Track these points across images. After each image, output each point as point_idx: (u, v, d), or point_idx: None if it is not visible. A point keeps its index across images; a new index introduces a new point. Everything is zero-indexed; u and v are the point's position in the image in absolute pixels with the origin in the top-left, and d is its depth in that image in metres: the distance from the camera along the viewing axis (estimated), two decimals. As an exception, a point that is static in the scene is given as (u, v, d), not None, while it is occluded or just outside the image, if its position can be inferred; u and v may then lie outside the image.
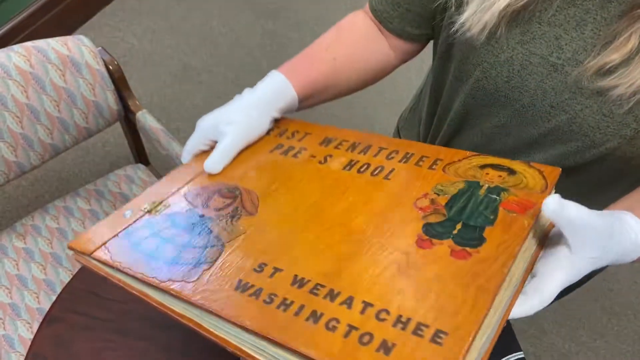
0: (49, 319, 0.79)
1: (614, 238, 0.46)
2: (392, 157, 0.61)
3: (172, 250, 0.55)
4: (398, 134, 0.94)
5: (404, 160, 0.60)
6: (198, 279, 0.51)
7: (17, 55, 1.05)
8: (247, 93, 0.65)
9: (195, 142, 0.66)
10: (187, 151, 0.67)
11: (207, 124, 0.64)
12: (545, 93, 0.59)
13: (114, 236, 0.58)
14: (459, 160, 0.57)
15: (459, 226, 0.49)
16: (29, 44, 1.08)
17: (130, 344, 0.75)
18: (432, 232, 0.49)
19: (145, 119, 1.19)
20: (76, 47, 1.10)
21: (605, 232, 0.45)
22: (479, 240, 0.47)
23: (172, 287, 0.51)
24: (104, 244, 0.58)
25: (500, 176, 0.53)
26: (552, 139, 0.63)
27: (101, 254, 0.56)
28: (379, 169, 0.59)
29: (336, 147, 0.64)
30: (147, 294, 0.53)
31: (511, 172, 0.54)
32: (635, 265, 1.77)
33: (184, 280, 0.51)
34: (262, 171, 0.63)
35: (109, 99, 1.16)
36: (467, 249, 0.47)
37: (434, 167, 0.57)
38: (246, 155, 0.65)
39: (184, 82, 2.04)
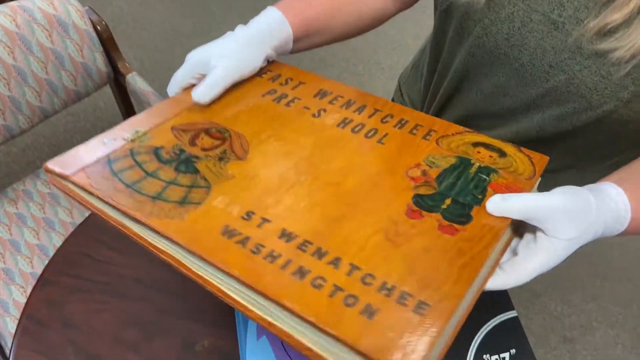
0: (42, 282, 0.78)
1: (590, 213, 0.45)
2: (387, 121, 0.60)
3: (156, 185, 0.53)
4: (399, 90, 0.93)
5: (399, 126, 0.59)
6: (183, 219, 0.49)
7: (3, 15, 1.02)
8: (240, 29, 0.62)
9: (184, 75, 0.62)
10: (175, 83, 0.63)
11: (198, 57, 0.61)
12: (544, 52, 0.58)
13: (95, 162, 0.55)
14: (453, 135, 0.57)
15: (448, 201, 0.50)
16: (14, 3, 1.05)
17: (124, 305, 0.75)
18: (422, 204, 0.50)
19: (136, 81, 1.16)
20: (62, 6, 1.07)
21: (577, 210, 0.45)
22: (467, 218, 0.48)
23: (155, 224, 0.49)
24: (83, 169, 0.54)
25: (492, 157, 0.54)
26: (550, 99, 0.62)
27: (80, 178, 0.53)
28: (373, 131, 0.58)
29: (330, 102, 0.63)
30: (126, 226, 0.51)
31: (502, 154, 0.54)
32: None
33: (168, 218, 0.49)
34: (254, 116, 0.61)
35: (98, 61, 1.13)
36: (455, 225, 0.47)
37: (427, 137, 0.57)
38: (237, 96, 0.63)
39: (175, 47, 2.00)
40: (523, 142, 0.68)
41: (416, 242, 0.46)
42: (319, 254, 0.46)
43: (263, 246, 0.47)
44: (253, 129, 0.59)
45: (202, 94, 0.59)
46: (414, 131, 0.58)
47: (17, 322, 1.01)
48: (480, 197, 0.50)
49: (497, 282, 0.47)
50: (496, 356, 0.69)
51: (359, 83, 2.14)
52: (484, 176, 0.52)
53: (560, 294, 1.64)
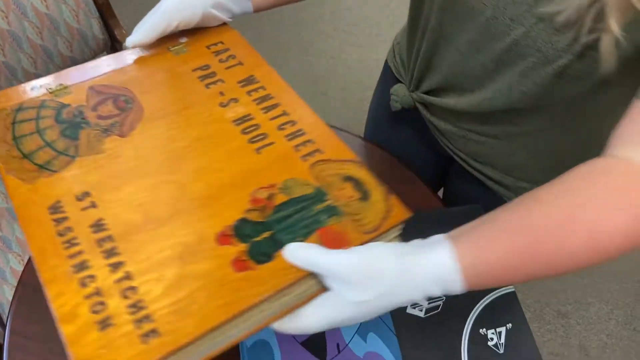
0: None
1: (383, 280, 0.42)
2: (284, 129, 0.58)
3: (35, 144, 0.54)
4: (393, 50, 0.92)
5: (291, 137, 0.57)
6: (32, 183, 0.51)
7: (-5, -22, 0.99)
8: None
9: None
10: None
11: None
12: (505, 5, 0.59)
13: (12, 105, 0.58)
14: (334, 161, 0.55)
15: (266, 234, 0.49)
16: (6, -34, 1.02)
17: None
18: (240, 230, 0.49)
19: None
20: (57, -31, 1.04)
21: (363, 275, 0.42)
22: (267, 258, 0.47)
23: (8, 182, 0.51)
24: (5, 108, 0.58)
25: (351, 197, 0.51)
26: (513, 54, 0.62)
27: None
28: (262, 136, 0.57)
29: (248, 93, 0.61)
30: None
31: (365, 197, 0.52)
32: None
33: (21, 179, 0.51)
34: (169, 91, 0.61)
35: (94, 27, 1.11)
36: (251, 262, 0.47)
37: (307, 157, 0.55)
38: (170, 65, 0.63)
39: (174, 14, 1.95)
40: (499, 108, 0.69)
41: (201, 267, 0.46)
42: (110, 253, 0.47)
43: (71, 231, 0.48)
44: (157, 105, 0.59)
45: (131, 40, 0.61)
46: (300, 147, 0.56)
47: (14, 290, 1.01)
48: (300, 239, 0.48)
49: (285, 325, 0.46)
50: (492, 330, 0.70)
51: (360, 56, 2.11)
52: (324, 217, 0.50)
53: (556, 270, 1.66)
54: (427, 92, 0.81)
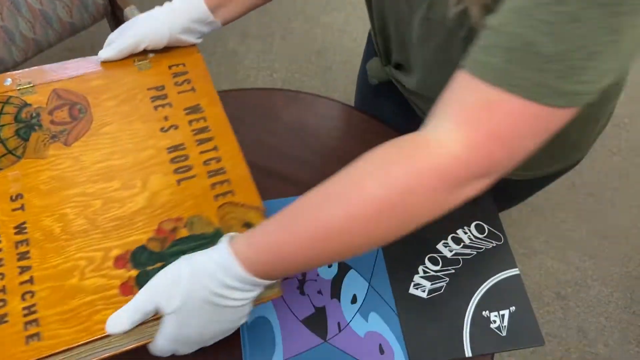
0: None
1: (180, 284, 0.46)
2: (208, 164, 0.60)
3: None
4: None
5: (212, 174, 0.59)
6: None
7: (-8, -63, 0.96)
8: (166, 5, 0.69)
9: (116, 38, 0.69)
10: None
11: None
12: None
13: None
14: (242, 205, 0.57)
15: (158, 265, 0.52)
16: None
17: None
18: (136, 256, 0.53)
19: (134, 15, 1.10)
20: None
21: (164, 285, 0.47)
22: None
23: None
24: None
25: None
26: (426, 28, 0.61)
27: None
28: (186, 168, 0.60)
29: (190, 122, 0.64)
30: None
31: None
32: (633, 189, 1.76)
33: None
34: (121, 109, 0.64)
35: (94, -8, 1.08)
36: (136, 288, 0.51)
37: (219, 197, 0.58)
38: (130, 80, 0.66)
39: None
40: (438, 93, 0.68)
41: (95, 283, 0.51)
42: (23, 256, 0.52)
43: None
44: (105, 120, 0.62)
45: (102, 55, 0.67)
46: (217, 186, 0.59)
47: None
48: None
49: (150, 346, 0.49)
50: (495, 313, 0.69)
51: (366, 29, 2.07)
52: None
53: (559, 252, 1.65)
54: (396, 67, 0.79)
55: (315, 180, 0.46)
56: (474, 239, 0.74)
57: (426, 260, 0.71)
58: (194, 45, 0.71)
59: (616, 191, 1.77)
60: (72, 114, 0.62)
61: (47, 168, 0.58)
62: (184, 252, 0.52)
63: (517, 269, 0.72)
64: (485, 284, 0.71)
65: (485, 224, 0.75)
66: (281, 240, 0.45)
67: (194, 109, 0.64)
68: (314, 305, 0.67)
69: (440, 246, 0.73)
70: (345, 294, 0.68)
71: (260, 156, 0.80)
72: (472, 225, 0.75)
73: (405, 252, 0.72)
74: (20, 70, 0.66)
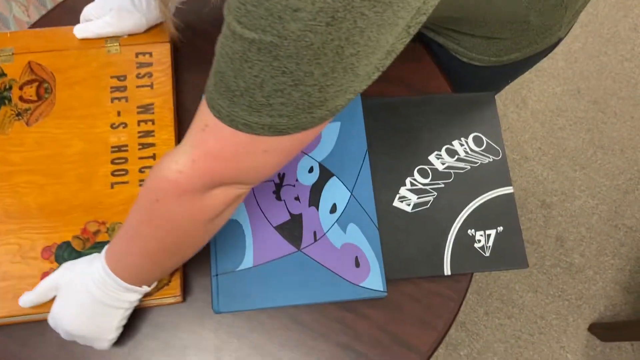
0: None
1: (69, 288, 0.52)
2: (143, 172, 0.61)
3: None
4: None
5: (143, 183, 0.60)
6: None
7: None
8: None
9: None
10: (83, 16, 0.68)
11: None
12: None
13: None
14: None
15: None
16: None
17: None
18: (60, 251, 0.57)
19: None
20: None
21: (57, 288, 0.52)
22: None
23: None
24: None
25: None
26: None
27: None
28: (123, 173, 0.61)
29: (139, 123, 0.63)
30: None
31: None
32: (635, 100, 1.68)
33: None
34: (82, 95, 0.64)
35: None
36: None
37: None
38: (99, 65, 0.66)
39: None
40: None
41: (20, 269, 0.56)
42: None
43: None
44: (67, 105, 0.63)
45: (79, 30, 0.66)
46: None
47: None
48: None
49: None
50: (481, 232, 0.65)
51: None
52: None
53: (551, 159, 1.61)
54: None
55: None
56: (470, 152, 0.68)
57: (415, 172, 0.66)
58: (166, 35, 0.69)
59: (622, 100, 1.69)
60: (39, 93, 0.64)
61: (5, 146, 0.61)
62: None
63: (511, 188, 0.67)
64: (475, 201, 0.66)
65: (484, 136, 0.69)
66: (131, 253, 0.49)
67: (146, 109, 0.64)
68: (289, 212, 0.63)
69: (432, 157, 0.67)
70: (325, 202, 0.63)
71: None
72: (470, 136, 0.68)
73: (393, 162, 0.66)
74: (8, 32, 0.67)
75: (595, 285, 1.48)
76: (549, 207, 1.57)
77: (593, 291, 1.48)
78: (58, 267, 0.55)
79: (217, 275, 0.59)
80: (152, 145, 0.63)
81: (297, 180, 0.64)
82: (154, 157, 0.62)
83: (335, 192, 0.64)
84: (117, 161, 0.61)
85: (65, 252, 0.57)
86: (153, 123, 0.63)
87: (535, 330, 1.43)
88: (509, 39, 0.66)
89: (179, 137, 0.65)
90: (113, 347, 0.57)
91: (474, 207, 0.66)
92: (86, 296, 0.50)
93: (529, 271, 1.49)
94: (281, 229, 0.62)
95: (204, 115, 0.39)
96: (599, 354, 1.41)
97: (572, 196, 1.58)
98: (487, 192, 0.67)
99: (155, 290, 0.56)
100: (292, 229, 0.62)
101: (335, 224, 0.63)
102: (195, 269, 0.61)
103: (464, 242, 0.64)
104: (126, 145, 0.62)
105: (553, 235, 1.53)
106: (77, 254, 0.57)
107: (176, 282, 0.57)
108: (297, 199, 0.63)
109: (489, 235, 0.65)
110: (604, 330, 1.40)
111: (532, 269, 1.49)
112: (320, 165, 0.65)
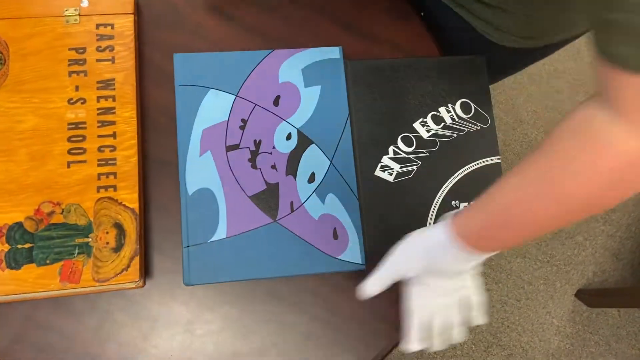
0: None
1: (418, 254, 0.52)
2: (102, 151, 0.58)
3: None
4: None
5: (102, 163, 0.58)
6: None
7: None
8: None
9: None
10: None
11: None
12: None
13: None
14: (119, 204, 0.56)
15: (27, 245, 0.54)
16: None
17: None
18: (11, 232, 0.54)
19: None
20: None
21: (407, 256, 0.52)
22: (16, 266, 0.54)
23: None
24: None
25: (108, 244, 0.55)
26: None
27: None
28: (80, 151, 0.58)
29: (99, 99, 0.60)
30: None
31: (117, 249, 0.55)
32: None
33: None
34: (37, 67, 0.60)
35: None
36: (3, 263, 0.54)
37: (102, 189, 0.57)
38: (56, 35, 0.61)
39: None
40: None
41: None
42: None
43: None
44: (21, 77, 0.59)
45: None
46: (102, 177, 0.57)
47: None
48: (48, 261, 0.54)
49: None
50: (466, 203, 0.62)
51: None
52: (76, 251, 0.54)
53: (546, 123, 1.57)
54: None
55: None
56: (457, 119, 0.64)
57: (398, 140, 0.63)
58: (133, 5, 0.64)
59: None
60: None
61: None
62: (53, 239, 0.54)
63: (498, 157, 0.65)
64: (460, 170, 0.63)
65: (473, 102, 0.65)
66: (493, 230, 0.47)
67: (107, 84, 0.60)
68: (265, 181, 0.60)
69: (417, 125, 0.63)
70: (303, 171, 0.60)
71: None
72: (458, 103, 0.65)
73: (375, 129, 0.62)
74: None
75: (585, 251, 1.48)
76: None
77: (582, 257, 1.47)
78: (8, 249, 0.54)
79: (188, 246, 0.57)
80: (112, 123, 0.59)
81: (274, 147, 0.61)
82: (114, 135, 0.58)
83: (314, 161, 0.61)
84: (74, 139, 0.58)
85: (17, 233, 0.54)
86: (114, 100, 0.60)
87: (522, 296, 1.43)
88: (550, 19, 0.63)
89: (142, 115, 0.61)
90: (81, 320, 0.55)
91: (459, 177, 0.63)
92: (434, 277, 0.51)
93: (518, 237, 1.48)
94: (256, 198, 0.59)
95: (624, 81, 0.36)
96: (584, 320, 1.42)
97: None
98: (473, 161, 0.64)
99: (113, 275, 0.54)
100: (268, 199, 0.59)
101: (314, 194, 0.60)
102: (167, 240, 0.59)
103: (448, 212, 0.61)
104: (84, 123, 0.59)
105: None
106: (29, 236, 0.54)
107: (135, 267, 0.54)
108: (273, 167, 0.60)
109: (473, 207, 0.62)
110: (591, 297, 1.40)
111: (522, 235, 1.48)
112: (299, 131, 0.62)
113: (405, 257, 0.52)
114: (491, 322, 1.40)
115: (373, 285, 0.53)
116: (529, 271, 1.45)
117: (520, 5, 0.62)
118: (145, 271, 0.57)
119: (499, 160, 0.64)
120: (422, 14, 0.71)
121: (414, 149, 0.63)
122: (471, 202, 0.52)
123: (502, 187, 0.47)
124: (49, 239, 0.54)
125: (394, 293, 0.60)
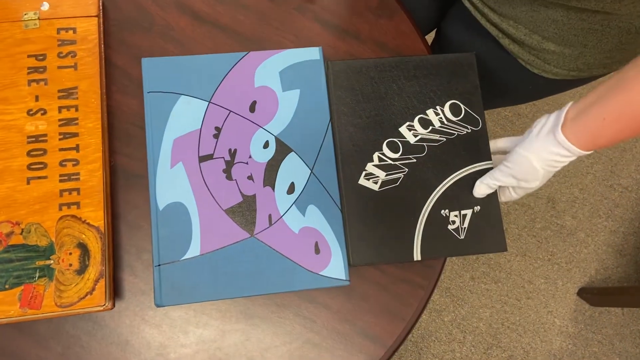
0: None
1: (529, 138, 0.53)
2: (64, 165, 0.54)
3: None
4: None
5: (64, 178, 0.54)
6: None
7: None
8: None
9: None
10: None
11: None
12: None
13: None
14: (83, 222, 0.53)
15: None
16: None
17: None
18: None
19: None
20: None
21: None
22: None
23: None
24: None
25: (71, 266, 0.52)
26: None
27: None
28: (41, 166, 0.54)
29: (60, 109, 0.56)
30: None
31: (81, 271, 0.51)
32: None
33: None
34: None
35: None
36: None
37: (64, 207, 0.53)
38: (14, 41, 0.57)
39: None
40: None
41: None
42: None
43: None
44: None
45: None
46: (65, 193, 0.53)
47: None
48: (7, 286, 0.51)
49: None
50: (456, 212, 0.58)
51: None
52: (37, 275, 0.51)
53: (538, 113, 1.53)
54: None
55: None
56: (445, 123, 0.60)
57: (384, 146, 0.59)
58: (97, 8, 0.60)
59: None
60: None
61: None
62: (11, 262, 0.51)
63: (491, 162, 0.61)
64: (450, 177, 0.59)
65: (462, 104, 0.61)
66: (607, 125, 0.48)
67: (69, 93, 0.57)
68: (242, 193, 0.56)
69: (403, 129, 0.60)
70: (281, 181, 0.57)
71: None
72: (447, 104, 0.61)
73: (359, 134, 0.59)
74: None
75: (587, 248, 1.44)
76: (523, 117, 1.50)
77: (584, 254, 1.43)
78: None
79: (159, 265, 0.53)
80: (75, 135, 0.55)
81: (250, 157, 0.57)
82: (77, 148, 0.55)
83: (294, 170, 0.57)
84: (33, 153, 0.54)
85: None
86: (77, 110, 0.56)
87: (523, 295, 1.39)
88: (611, 55, 0.61)
89: (108, 125, 0.58)
90: (46, 345, 0.52)
91: (449, 184, 0.59)
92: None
93: (518, 234, 1.44)
94: (232, 212, 0.55)
95: None
96: (587, 319, 1.39)
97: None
98: (464, 167, 0.60)
99: (77, 299, 0.50)
100: (244, 213, 0.55)
101: (293, 205, 0.56)
102: (138, 259, 0.55)
103: (436, 223, 0.58)
104: (45, 135, 0.55)
105: (544, 197, 1.47)
106: None
107: (100, 290, 0.51)
108: (250, 178, 0.56)
109: (464, 216, 0.59)
110: (594, 295, 1.37)
111: (521, 232, 1.44)
112: (277, 139, 0.58)
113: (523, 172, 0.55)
114: (491, 323, 1.36)
115: (485, 186, 0.58)
116: (530, 270, 1.41)
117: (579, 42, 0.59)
118: (115, 292, 0.54)
119: (491, 166, 0.60)
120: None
121: (400, 155, 0.59)
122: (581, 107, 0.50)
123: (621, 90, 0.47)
124: (7, 262, 0.51)
125: (376, 306, 0.56)
